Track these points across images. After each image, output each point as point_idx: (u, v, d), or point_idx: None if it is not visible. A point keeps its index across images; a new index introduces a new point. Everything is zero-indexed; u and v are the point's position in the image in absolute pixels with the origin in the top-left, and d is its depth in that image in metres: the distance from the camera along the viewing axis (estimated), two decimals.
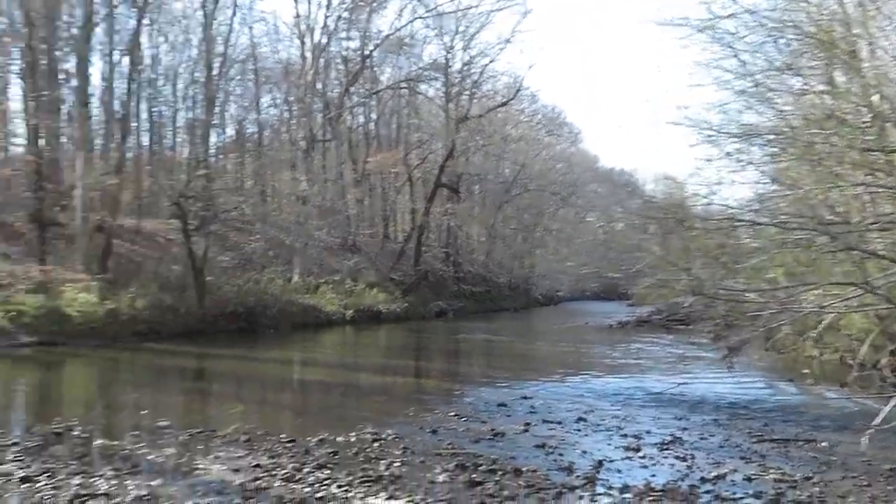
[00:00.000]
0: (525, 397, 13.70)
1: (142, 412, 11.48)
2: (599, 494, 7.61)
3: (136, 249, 30.26)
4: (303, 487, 7.41)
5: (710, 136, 13.02)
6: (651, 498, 7.50)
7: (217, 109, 38.26)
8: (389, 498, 7.20)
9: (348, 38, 43.96)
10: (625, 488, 7.81)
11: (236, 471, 7.95)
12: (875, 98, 13.28)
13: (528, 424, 11.09)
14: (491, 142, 49.29)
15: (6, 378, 16.75)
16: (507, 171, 56.79)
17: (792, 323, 16.13)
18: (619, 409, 12.80)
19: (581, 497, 7.52)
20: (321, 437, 9.72)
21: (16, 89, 37.73)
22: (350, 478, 7.81)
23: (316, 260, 35.78)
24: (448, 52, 46.43)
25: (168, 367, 18.60)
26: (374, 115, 50.70)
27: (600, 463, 8.89)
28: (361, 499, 7.13)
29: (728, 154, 13.82)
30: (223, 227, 30.41)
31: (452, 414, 11.78)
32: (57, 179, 29.71)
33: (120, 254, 28.23)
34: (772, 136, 19.56)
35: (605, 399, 13.92)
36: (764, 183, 22.25)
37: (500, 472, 8.26)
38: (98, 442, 9.14)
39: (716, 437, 10.80)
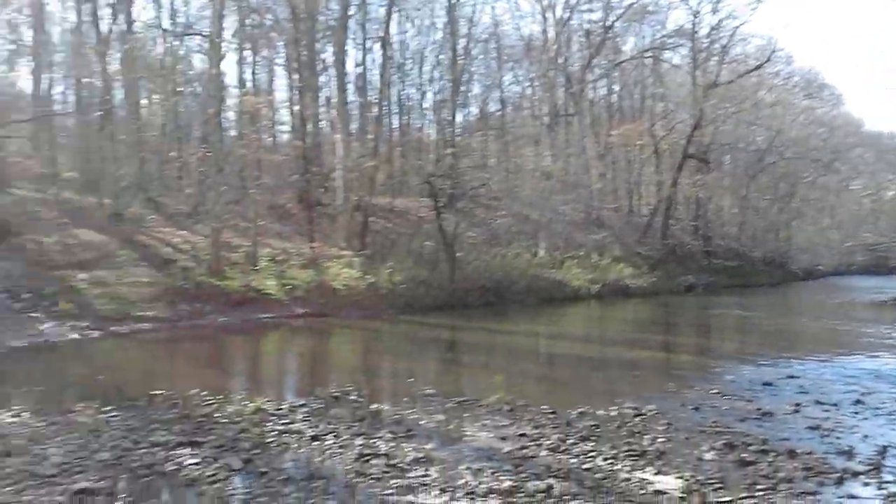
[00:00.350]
0: (791, 376, 12.96)
1: (408, 380, 12.16)
2: (888, 482, 7.05)
3: (391, 226, 31.93)
4: (569, 458, 7.52)
5: None
6: None
7: (462, 89, 39.34)
8: (658, 473, 7.11)
9: (590, 10, 43.46)
10: None
11: (503, 439, 8.21)
12: None
13: (797, 405, 10.48)
14: (742, 108, 46.59)
15: (286, 345, 18.40)
16: (760, 138, 53.56)
17: None
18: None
19: (867, 484, 7.02)
20: (581, 409, 9.79)
21: (281, 81, 40.82)
22: (614, 451, 7.81)
23: (561, 235, 35.88)
24: (695, 17, 44.50)
25: (425, 338, 19.51)
26: (616, 87, 49.83)
27: (885, 449, 8.22)
28: (628, 472, 7.10)
29: None
30: (471, 203, 31.31)
31: (714, 391, 11.40)
32: (320, 163, 32.04)
33: (376, 231, 29.92)
34: None
35: (884, 381, 12.81)
36: None
37: (772, 453, 7.90)
38: (374, 406, 9.79)
39: None
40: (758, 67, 45.31)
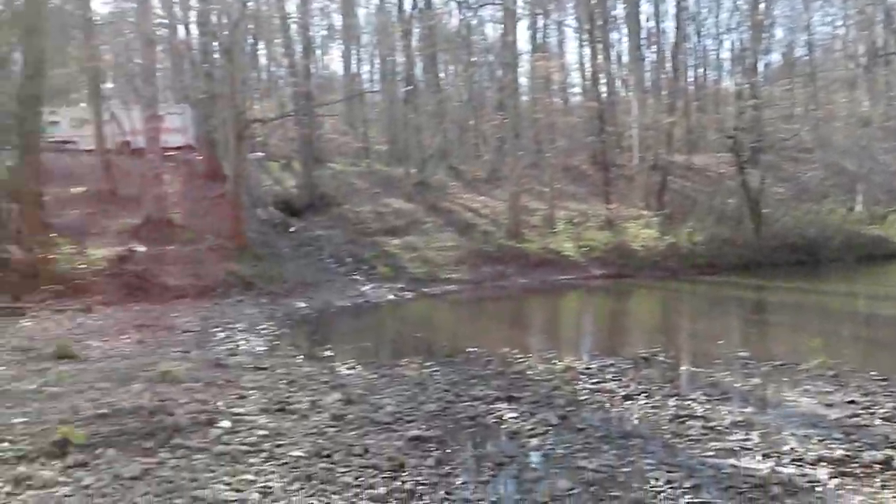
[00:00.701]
0: None
1: (717, 342, 11.80)
2: None
3: (690, 185, 30.90)
4: None
5: None
6: None
7: (764, 35, 36.81)
8: None
9: None
10: None
11: (829, 405, 7.71)
12: None
13: None
14: None
15: (586, 306, 18.62)
16: None
17: None
18: None
19: None
20: None
21: (571, 42, 40.74)
22: None
23: (881, 186, 32.55)
24: None
25: (728, 298, 18.76)
26: None
27: None
28: None
29: None
30: (777, 157, 29.46)
31: None
32: (614, 122, 31.74)
33: (675, 190, 29.09)
34: None
35: None
36: None
37: None
38: (684, 368, 9.65)
39: None
40: None
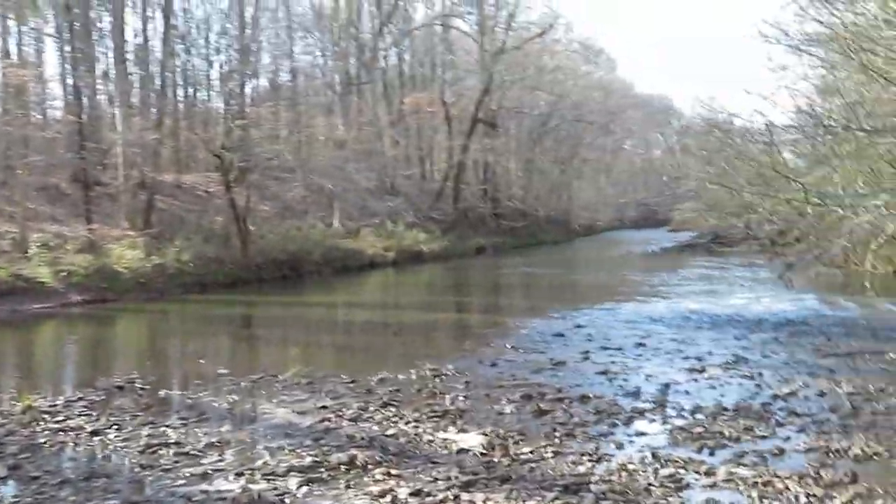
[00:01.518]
0: (579, 326, 13.59)
1: (199, 361, 11.54)
2: (672, 417, 7.48)
3: (178, 203, 30.34)
4: (371, 426, 7.37)
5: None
6: (725, 417, 7.36)
7: (251, 59, 37.89)
8: (460, 431, 7.13)
9: None
10: (696, 409, 7.67)
11: (302, 413, 7.93)
12: None
13: (586, 352, 10.98)
14: (527, 74, 48.23)
15: (61, 336, 16.99)
16: (543, 103, 55.83)
17: (849, 237, 15.74)
18: (676, 333, 12.65)
19: (653, 420, 7.40)
20: (381, 375, 9.67)
21: (51, 52, 37.41)
22: (417, 414, 7.76)
23: (355, 204, 35.67)
24: None
25: (217, 317, 18.71)
26: (407, 56, 49.80)
27: (667, 386, 8.76)
28: (431, 434, 7.07)
29: (783, 68, 13.45)
30: (263, 176, 30.37)
31: (509, 346, 11.70)
32: (97, 139, 29.80)
33: (162, 209, 28.31)
34: (829, 44, 18.86)
35: (661, 324, 13.74)
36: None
37: (566, 400, 8.18)
38: (162, 392, 9.17)
39: (779, 354, 10.63)
40: (542, 34, 46.92)
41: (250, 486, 5.72)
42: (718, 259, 29.40)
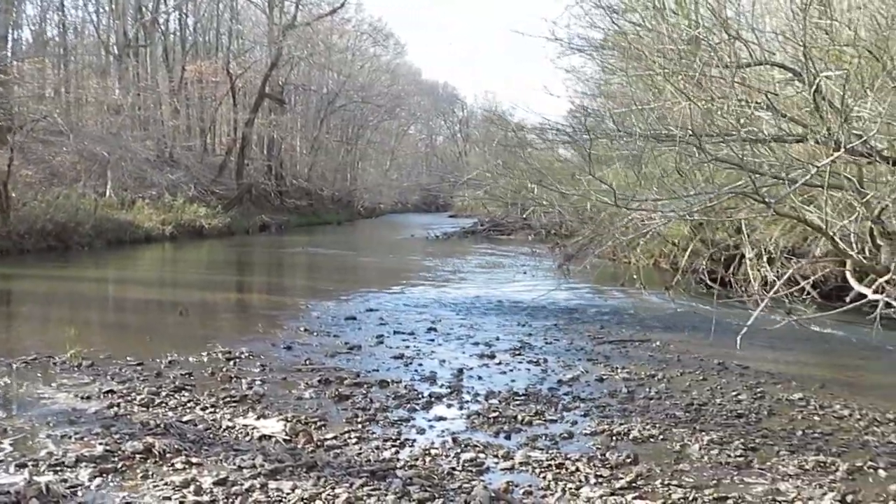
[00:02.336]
0: (371, 309, 13.72)
1: None
2: (468, 402, 7.75)
3: None
4: (165, 412, 7.05)
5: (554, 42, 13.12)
6: (517, 402, 7.73)
7: (14, 8, 34.60)
8: (259, 417, 6.99)
9: None
10: (490, 394, 8.00)
11: (87, 398, 7.43)
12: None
13: (380, 337, 11.11)
14: (316, 52, 47.64)
15: None
16: (331, 82, 55.49)
17: (623, 232, 16.98)
18: (464, 319, 13.08)
19: (451, 405, 7.63)
20: (170, 358, 9.25)
21: None
22: (213, 399, 7.51)
23: (131, 174, 33.71)
24: None
25: None
26: (190, 21, 47.60)
27: (461, 371, 9.06)
28: (230, 420, 6.88)
29: (567, 71, 14.17)
30: (27, 138, 27.92)
31: (303, 329, 11.59)
32: None
33: None
34: (607, 48, 20.12)
35: (449, 309, 14.16)
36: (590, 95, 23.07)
37: (365, 385, 8.23)
38: None
39: (560, 341, 11.28)
40: (334, 11, 46.44)
41: (36, 478, 5.30)
42: (498, 246, 30.77)
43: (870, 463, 6.11)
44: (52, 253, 23.20)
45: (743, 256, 15.86)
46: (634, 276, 14.37)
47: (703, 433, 6.81)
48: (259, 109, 42.64)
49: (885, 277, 7.68)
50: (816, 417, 7.50)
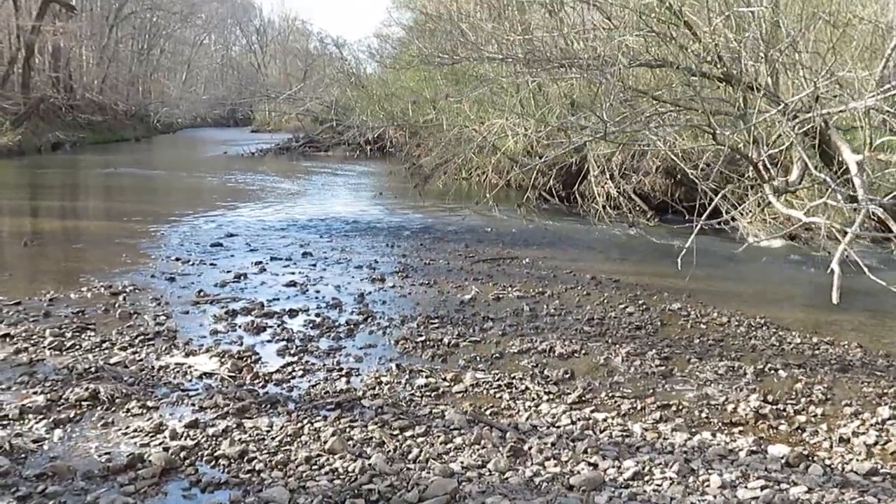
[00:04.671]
0: (231, 234, 13.32)
1: None
2: (386, 327, 7.87)
3: None
4: (83, 354, 6.66)
5: None
6: (433, 325, 7.96)
7: None
8: (188, 355, 6.77)
9: None
10: (405, 319, 8.17)
11: None
12: None
13: (259, 263, 10.89)
14: None
15: None
16: None
17: (467, 150, 17.38)
18: (330, 241, 13.04)
19: (373, 331, 7.73)
20: (50, 295, 8.62)
21: None
22: (125, 338, 7.17)
23: None
24: None
25: None
26: None
27: (362, 296, 9.12)
28: (159, 359, 6.63)
29: None
30: None
31: (174, 258, 11.09)
32: None
33: None
34: None
35: (310, 231, 14.01)
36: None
37: (275, 315, 8.14)
38: None
39: (438, 261, 11.56)
40: None
41: None
42: (323, 163, 30.40)
43: (769, 365, 6.92)
44: None
45: (580, 173, 16.82)
46: (487, 195, 14.77)
47: (617, 346, 7.39)
48: (45, 16, 38.78)
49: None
50: (703, 325, 8.31)
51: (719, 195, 9.08)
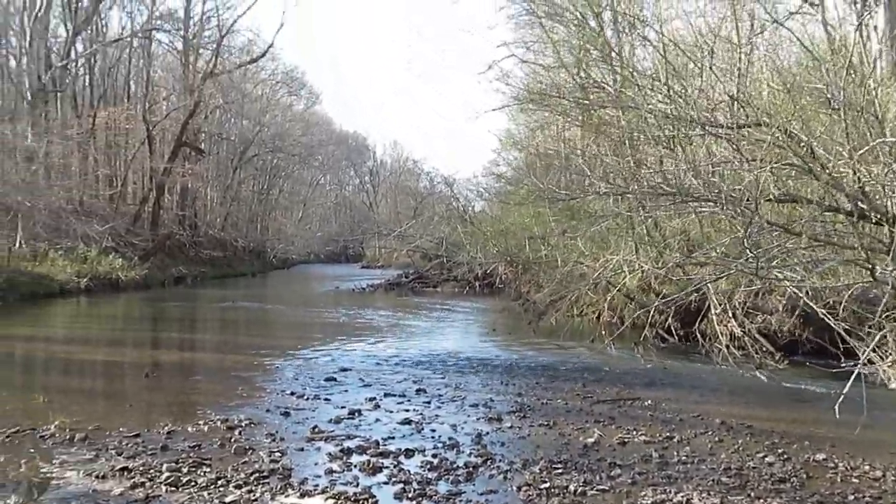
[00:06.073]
0: (345, 369, 13.24)
1: None
2: (506, 471, 7.43)
3: None
4: (197, 492, 6.50)
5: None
6: (557, 470, 7.48)
7: None
8: (303, 496, 6.52)
9: None
10: (526, 463, 7.72)
11: (102, 477, 6.79)
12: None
13: (373, 399, 10.67)
14: (231, 99, 46.81)
15: None
16: (245, 130, 54.58)
17: (581, 287, 17.05)
18: (443, 377, 12.75)
19: (492, 476, 7.31)
20: (167, 428, 8.61)
21: None
22: (240, 474, 6.99)
23: (44, 224, 32.01)
24: (187, 2, 43.37)
25: None
26: (103, 65, 45.91)
27: (479, 437, 8.74)
28: (272, 498, 6.40)
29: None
30: None
31: (288, 392, 11.03)
32: None
33: None
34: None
35: (423, 367, 13.81)
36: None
37: (391, 455, 7.84)
38: None
39: (556, 401, 11.09)
40: (255, 60, 45.93)
41: None
42: (431, 299, 30.51)
43: None
44: None
45: (700, 311, 16.17)
46: (602, 334, 14.32)
47: (762, 500, 6.73)
48: (176, 158, 41.44)
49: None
50: (855, 480, 7.53)
51: (858, 336, 8.47)
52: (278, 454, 7.76)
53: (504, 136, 40.56)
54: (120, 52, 45.30)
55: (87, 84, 44.69)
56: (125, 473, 6.94)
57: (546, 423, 9.59)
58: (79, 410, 9.43)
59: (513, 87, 24.75)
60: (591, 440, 8.73)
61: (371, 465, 7.43)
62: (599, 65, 20.43)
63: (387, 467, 7.42)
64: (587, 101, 19.98)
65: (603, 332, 14.07)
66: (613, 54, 18.45)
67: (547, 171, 24.10)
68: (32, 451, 7.69)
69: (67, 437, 8.16)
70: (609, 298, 17.03)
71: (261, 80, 54.17)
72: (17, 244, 30.01)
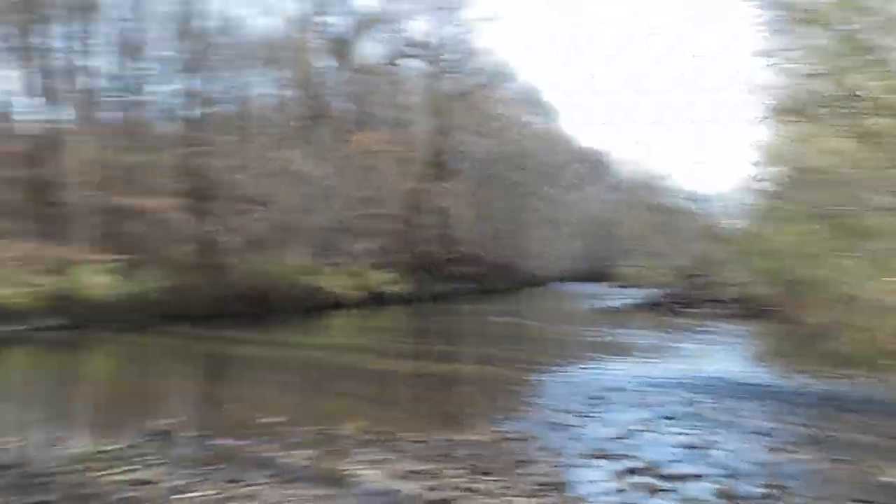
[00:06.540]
0: (613, 388, 13.09)
1: (225, 406, 10.69)
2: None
3: (142, 228, 29.01)
4: (488, 500, 6.71)
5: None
6: None
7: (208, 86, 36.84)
8: None
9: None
10: (824, 498, 7.22)
11: (402, 478, 7.23)
12: None
13: (645, 420, 10.48)
14: (476, 119, 48.45)
15: (46, 365, 15.74)
16: (491, 149, 55.95)
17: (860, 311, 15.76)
18: (715, 402, 12.23)
19: None
20: (448, 436, 9.00)
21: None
22: (522, 485, 7.13)
23: (318, 241, 34.78)
24: (433, 29, 45.79)
25: (208, 354, 17.72)
26: (361, 92, 49.00)
27: (763, 465, 8.31)
28: None
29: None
30: (227, 207, 29.38)
31: (562, 409, 11.11)
32: (55, 156, 28.36)
33: (128, 233, 27.02)
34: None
35: (690, 389, 13.32)
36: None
37: (672, 479, 7.64)
38: (219, 442, 8.34)
39: (845, 434, 10.27)
40: (496, 81, 47.19)
41: None
42: (691, 321, 29.47)
43: None
44: (256, 318, 23.96)
45: None
46: (886, 360, 13.08)
47: None
48: (429, 178, 43.39)
49: None
50: None
51: None
52: (555, 467, 7.84)
53: (763, 148, 38.46)
54: (371, 78, 48.21)
55: (343, 109, 47.92)
56: (418, 476, 7.32)
57: (836, 457, 8.91)
58: (368, 414, 10.09)
59: (771, 97, 23.39)
60: (890, 479, 7.99)
61: (650, 487, 7.31)
62: (864, 71, 18.87)
63: (666, 490, 7.26)
64: (864, 112, 18.50)
65: (886, 361, 12.82)
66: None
67: (816, 185, 22.53)
68: (334, 449, 8.34)
69: (367, 439, 8.76)
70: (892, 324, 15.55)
71: (500, 100, 55.32)
72: (298, 260, 32.74)
